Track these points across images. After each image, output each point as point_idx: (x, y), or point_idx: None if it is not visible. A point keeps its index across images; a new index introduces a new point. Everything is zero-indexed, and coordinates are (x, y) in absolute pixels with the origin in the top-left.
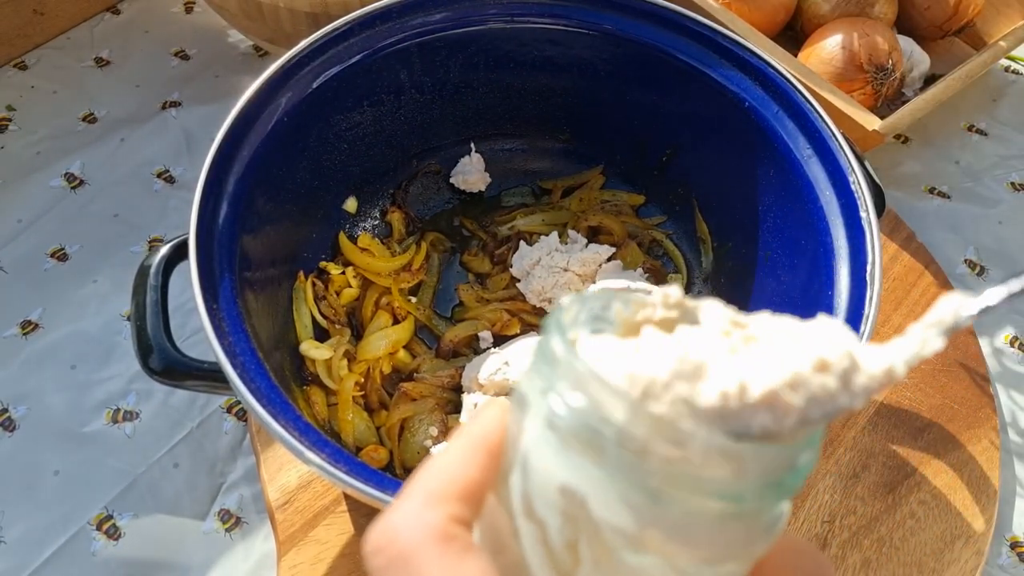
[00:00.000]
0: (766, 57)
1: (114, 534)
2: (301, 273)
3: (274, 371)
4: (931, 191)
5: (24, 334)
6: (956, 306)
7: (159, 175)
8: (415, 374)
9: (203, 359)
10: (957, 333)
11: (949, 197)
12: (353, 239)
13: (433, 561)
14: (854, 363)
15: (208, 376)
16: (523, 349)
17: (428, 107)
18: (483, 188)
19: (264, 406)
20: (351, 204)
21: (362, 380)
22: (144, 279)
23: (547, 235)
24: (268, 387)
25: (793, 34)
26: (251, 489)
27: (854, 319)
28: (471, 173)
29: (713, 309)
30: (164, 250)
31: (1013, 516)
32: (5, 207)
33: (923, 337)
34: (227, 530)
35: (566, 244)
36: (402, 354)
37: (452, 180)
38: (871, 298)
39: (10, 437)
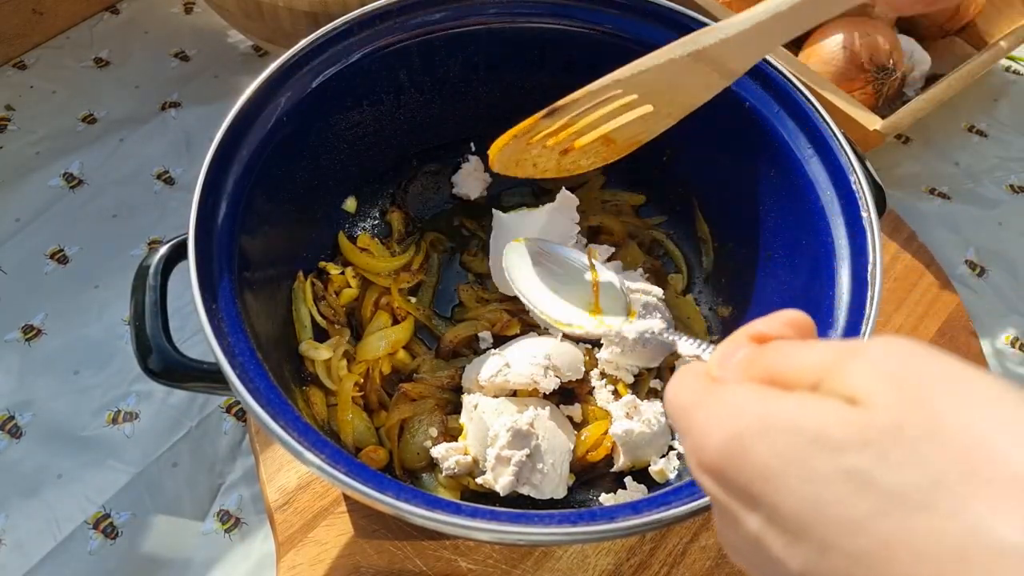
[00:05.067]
0: (767, 56)
1: (111, 533)
2: (300, 273)
3: (273, 371)
4: (931, 192)
5: (27, 339)
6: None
7: (158, 175)
8: (415, 374)
9: (202, 360)
10: (958, 334)
11: (949, 198)
12: (352, 239)
13: None
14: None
15: (207, 377)
16: (523, 350)
17: (428, 106)
18: (484, 194)
19: (263, 407)
20: (350, 204)
21: (361, 380)
22: (143, 280)
23: None
24: (267, 387)
25: None
26: (250, 490)
27: (855, 319)
28: (471, 181)
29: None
30: (163, 250)
31: None
32: (4, 206)
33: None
34: (226, 531)
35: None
36: (402, 354)
37: (455, 191)
38: (872, 298)
39: (17, 443)
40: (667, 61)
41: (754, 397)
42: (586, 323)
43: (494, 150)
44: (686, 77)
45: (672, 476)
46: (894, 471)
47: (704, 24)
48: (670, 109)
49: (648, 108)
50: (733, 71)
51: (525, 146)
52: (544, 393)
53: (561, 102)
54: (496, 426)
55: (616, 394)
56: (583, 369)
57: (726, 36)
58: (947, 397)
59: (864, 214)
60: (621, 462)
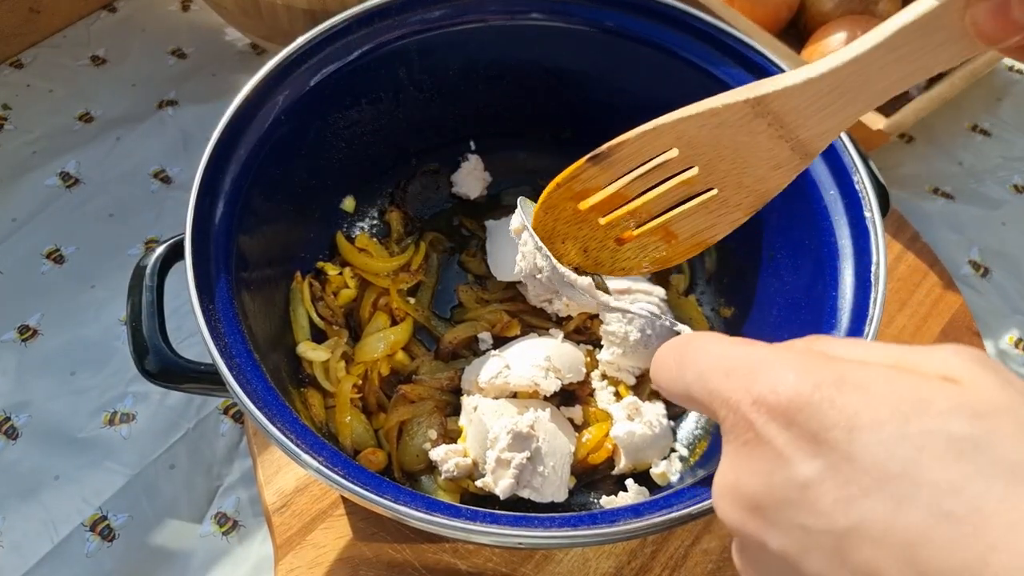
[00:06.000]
0: (769, 55)
1: (108, 535)
2: (298, 273)
3: (271, 373)
4: (935, 191)
5: (23, 340)
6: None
7: (155, 175)
8: (414, 376)
9: (199, 361)
10: (961, 335)
11: (953, 198)
12: (351, 239)
13: None
14: None
15: (204, 378)
16: (523, 351)
17: (427, 105)
18: (484, 193)
19: (261, 408)
20: (349, 203)
21: (360, 382)
22: (140, 280)
23: None
24: (265, 389)
25: (796, 32)
26: (248, 492)
27: (858, 320)
28: (471, 180)
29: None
30: (160, 250)
31: None
32: (0, 206)
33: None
34: (224, 533)
35: None
36: (400, 355)
37: (454, 190)
38: (875, 299)
39: (14, 445)
40: (722, 107)
41: (844, 358)
42: None
43: (538, 204)
44: (748, 141)
45: (674, 479)
46: (1007, 444)
47: (706, 21)
48: (738, 197)
49: (712, 192)
50: (804, 143)
51: (573, 214)
52: (545, 395)
53: (607, 146)
54: (496, 428)
55: (617, 396)
56: (584, 371)
57: (790, 84)
58: None
59: (867, 214)
60: (622, 464)
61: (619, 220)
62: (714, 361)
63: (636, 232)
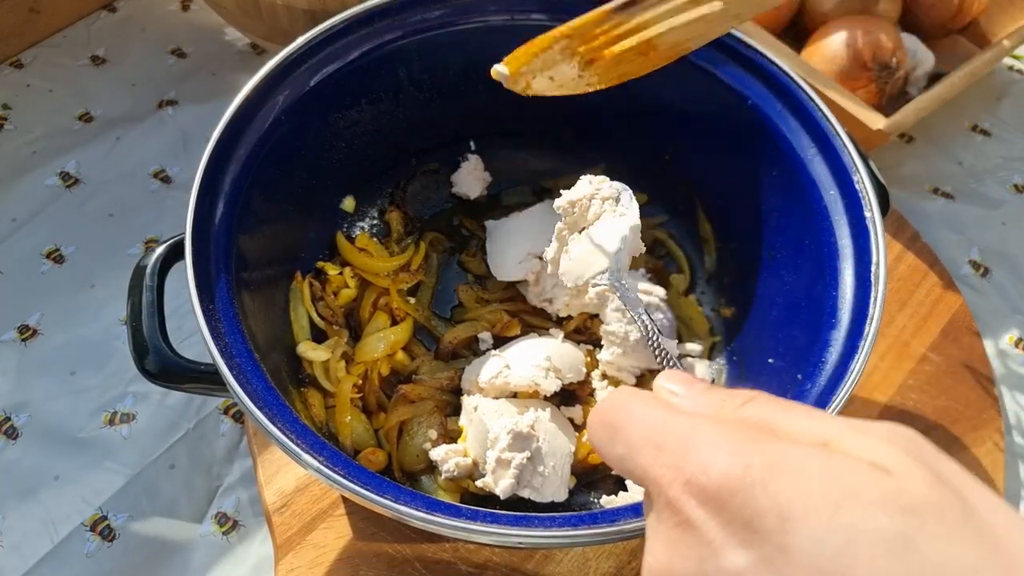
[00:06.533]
0: (769, 55)
1: (108, 535)
2: (298, 273)
3: (271, 373)
4: (935, 191)
5: (23, 339)
6: None
7: (155, 174)
8: (414, 376)
9: (199, 360)
10: (962, 334)
11: (953, 198)
12: (351, 239)
13: None
14: None
15: (204, 378)
16: (523, 351)
17: (427, 105)
18: (484, 193)
19: (261, 408)
20: (349, 203)
21: (360, 382)
22: (140, 280)
23: None
24: (265, 389)
25: (796, 31)
26: (248, 492)
27: (858, 320)
28: (471, 180)
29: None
30: (160, 250)
31: None
32: (0, 206)
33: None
34: (224, 533)
35: None
36: (400, 355)
37: (454, 190)
38: (875, 299)
39: (14, 444)
40: None
41: (774, 436)
42: None
43: (527, 52)
44: None
45: None
46: (937, 545)
47: None
48: (739, 8)
49: (717, 5)
50: None
51: (562, 54)
52: (545, 395)
53: None
54: (496, 428)
55: None
56: (584, 370)
57: None
58: (974, 495)
59: (867, 214)
60: None
61: (602, 43)
62: (646, 432)
63: (613, 52)
